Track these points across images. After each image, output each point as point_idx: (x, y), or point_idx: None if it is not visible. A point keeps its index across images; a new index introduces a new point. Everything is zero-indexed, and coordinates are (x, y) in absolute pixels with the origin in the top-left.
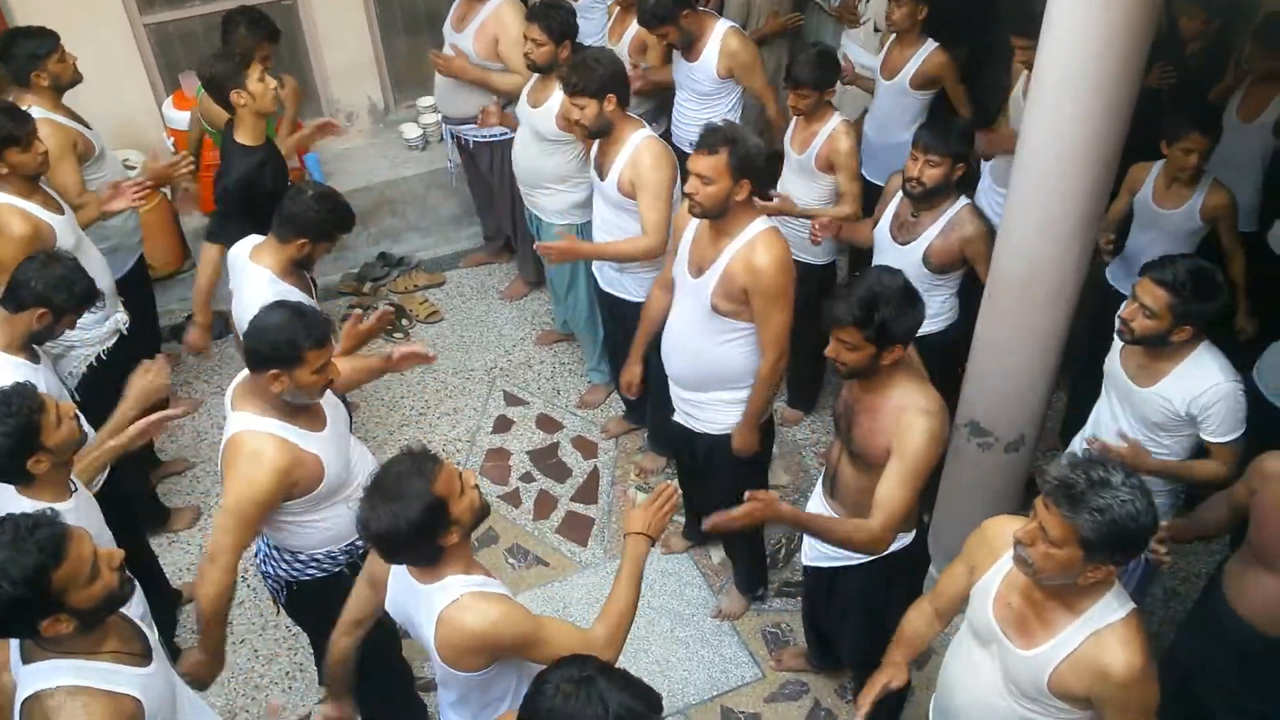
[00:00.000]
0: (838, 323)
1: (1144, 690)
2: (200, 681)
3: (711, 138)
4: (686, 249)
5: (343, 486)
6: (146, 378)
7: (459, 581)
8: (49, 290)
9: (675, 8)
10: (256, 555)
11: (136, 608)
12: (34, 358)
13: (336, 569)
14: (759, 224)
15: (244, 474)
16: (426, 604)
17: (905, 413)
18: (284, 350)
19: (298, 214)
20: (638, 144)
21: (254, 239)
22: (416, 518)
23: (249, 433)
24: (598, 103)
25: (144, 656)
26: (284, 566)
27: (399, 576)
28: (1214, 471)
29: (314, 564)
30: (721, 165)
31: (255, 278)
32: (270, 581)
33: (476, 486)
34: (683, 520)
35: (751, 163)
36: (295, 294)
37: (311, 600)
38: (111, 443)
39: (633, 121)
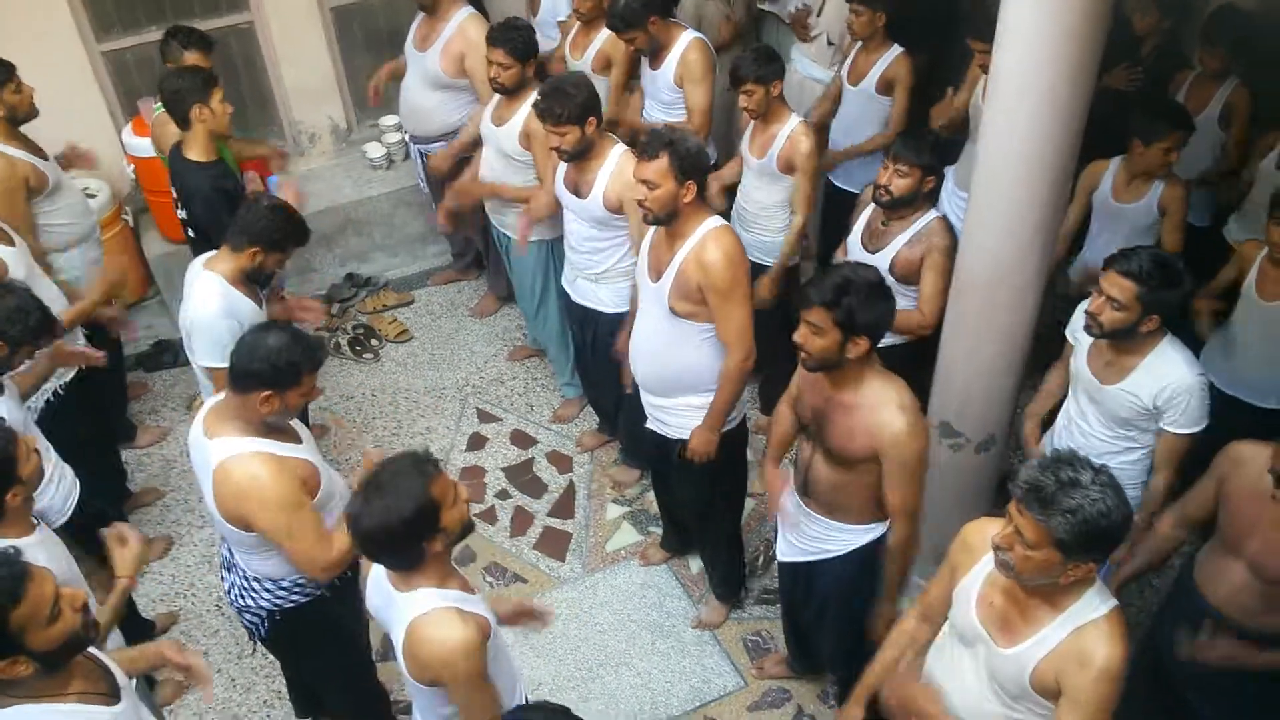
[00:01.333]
0: (806, 304)
1: (1112, 687)
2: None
3: (652, 143)
4: (645, 254)
5: (329, 499)
6: (126, 549)
7: (431, 595)
8: (3, 322)
9: (644, 12)
10: (229, 591)
11: (112, 641)
12: None
13: (319, 591)
14: (710, 223)
15: (257, 499)
16: (399, 611)
17: (882, 410)
18: (283, 372)
19: (251, 222)
20: (619, 160)
21: (211, 252)
22: (408, 515)
23: (237, 459)
24: (579, 128)
25: (112, 696)
26: (265, 596)
27: (378, 581)
28: (1159, 488)
29: (298, 589)
30: (664, 168)
31: (206, 283)
32: (248, 616)
33: (468, 502)
34: (660, 532)
35: (694, 163)
36: (244, 303)
37: (293, 627)
38: (113, 601)
39: (609, 138)
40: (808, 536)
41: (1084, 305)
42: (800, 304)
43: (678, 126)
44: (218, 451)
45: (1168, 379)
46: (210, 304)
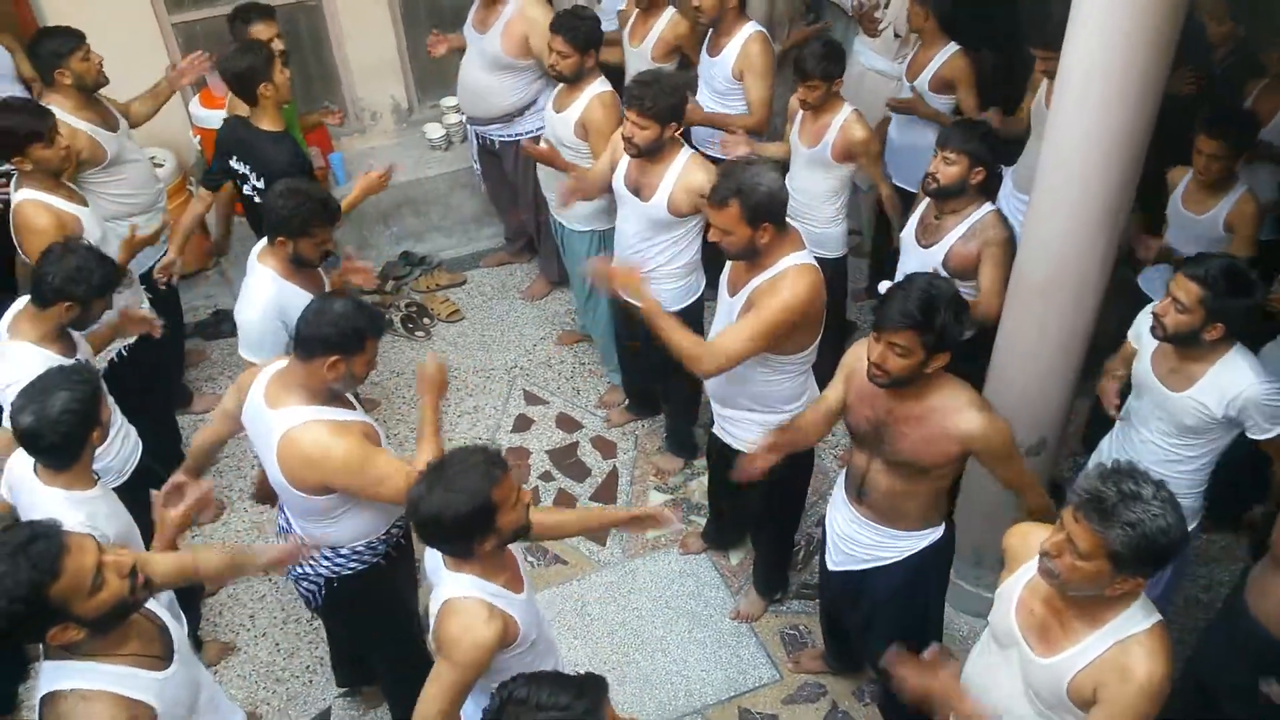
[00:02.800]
0: (893, 326)
1: (1150, 705)
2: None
3: (720, 189)
4: (728, 268)
5: None
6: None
7: (471, 582)
8: (67, 283)
9: None
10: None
11: (164, 595)
12: (70, 350)
13: (375, 559)
14: (793, 259)
15: (335, 458)
16: (442, 586)
17: (960, 414)
18: (349, 337)
19: (270, 214)
20: (685, 164)
21: (262, 241)
22: (464, 512)
23: (303, 427)
24: (660, 127)
25: (163, 659)
26: (324, 564)
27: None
28: None
29: (355, 557)
30: (735, 217)
31: (258, 279)
32: (305, 584)
33: (529, 506)
34: (701, 522)
35: (766, 207)
36: (298, 296)
37: (350, 595)
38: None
39: (677, 143)
40: (861, 545)
41: (1150, 307)
42: (882, 325)
43: (749, 162)
44: (282, 421)
45: (1236, 387)
46: (256, 302)
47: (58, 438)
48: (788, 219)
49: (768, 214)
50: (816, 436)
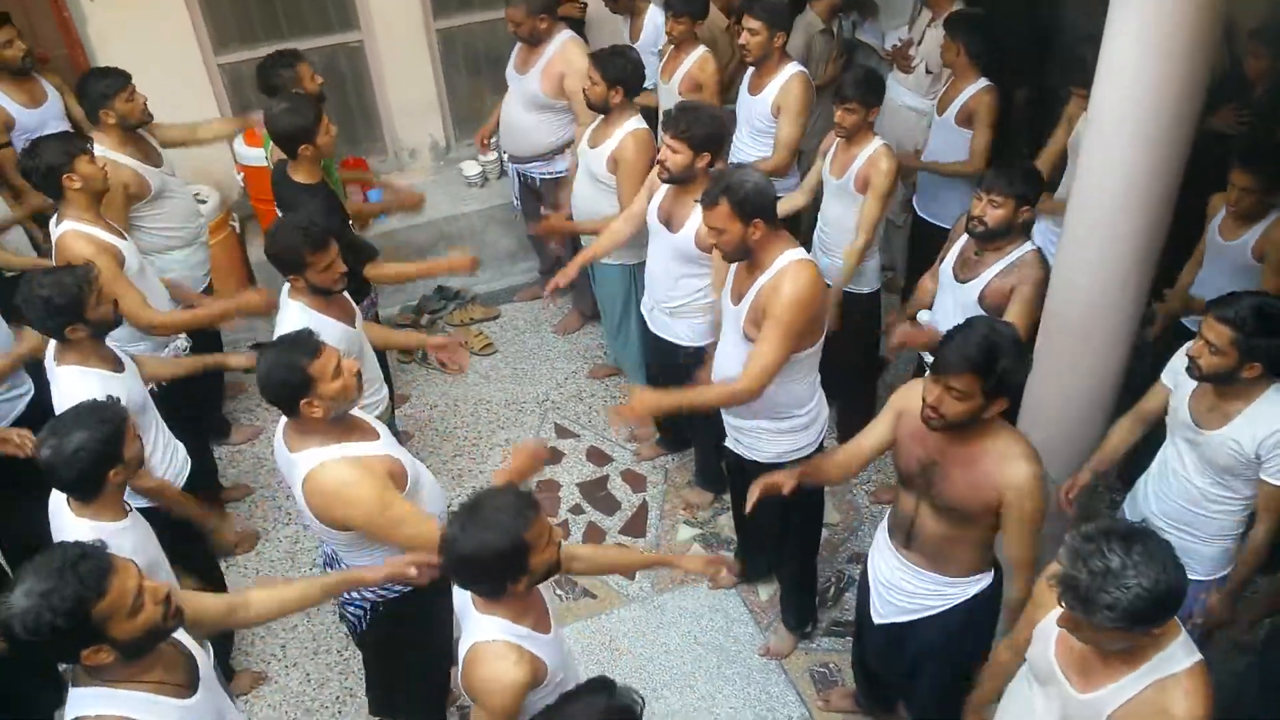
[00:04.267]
0: (951, 369)
1: None
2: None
3: (711, 190)
4: (730, 279)
5: (418, 487)
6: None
7: (499, 626)
8: (36, 314)
9: (784, 18)
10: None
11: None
12: (117, 367)
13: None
14: (789, 255)
15: (354, 503)
16: (470, 628)
17: (1007, 461)
18: (291, 379)
19: (271, 256)
20: None
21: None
22: (499, 553)
23: (322, 467)
24: (693, 153)
25: (188, 687)
26: (370, 589)
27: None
28: (1260, 540)
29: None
30: (725, 213)
31: (290, 313)
32: (352, 609)
33: (560, 544)
34: (731, 556)
35: (755, 202)
36: (331, 324)
37: (394, 619)
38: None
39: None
40: (907, 593)
41: (1185, 349)
42: (941, 368)
43: (742, 167)
44: (303, 464)
45: (1272, 425)
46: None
47: (73, 475)
48: (818, 253)
49: (756, 209)
50: (841, 477)
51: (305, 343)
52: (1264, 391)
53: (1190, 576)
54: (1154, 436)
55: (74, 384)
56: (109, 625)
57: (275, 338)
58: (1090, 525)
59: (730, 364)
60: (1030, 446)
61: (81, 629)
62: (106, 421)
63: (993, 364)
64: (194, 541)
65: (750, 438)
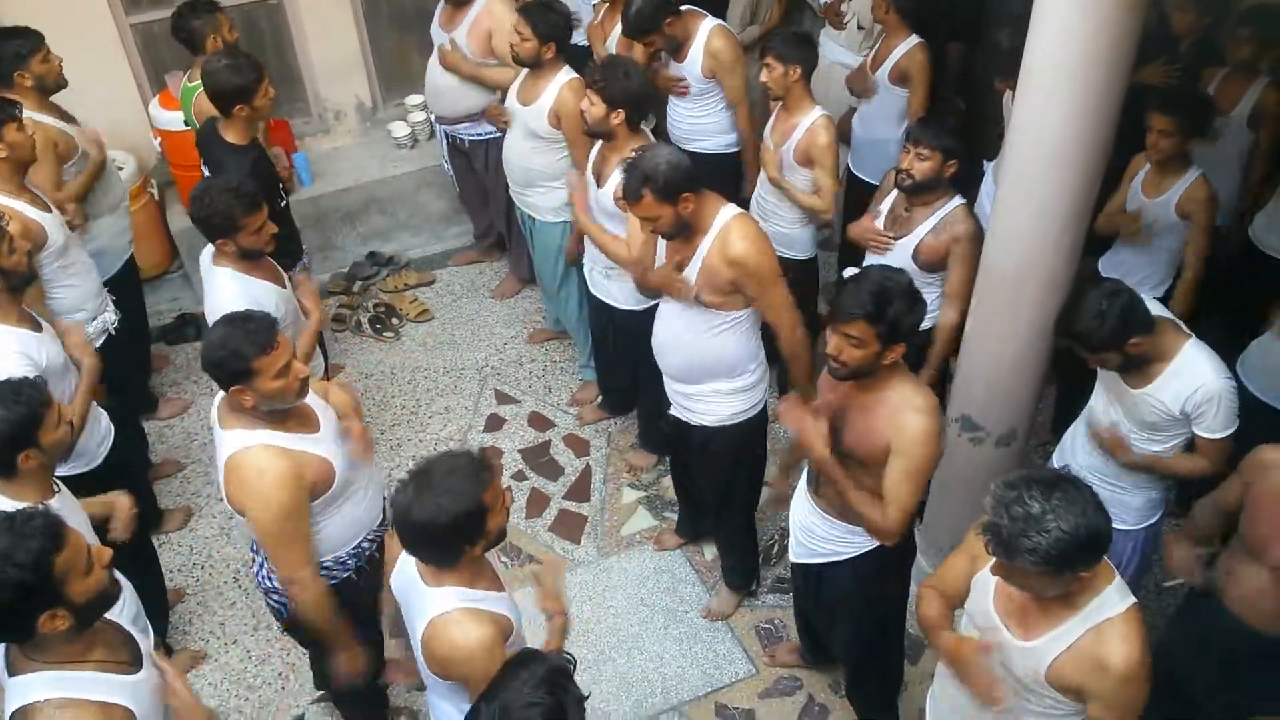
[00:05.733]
0: (846, 316)
1: (1137, 688)
2: (352, 676)
3: (629, 186)
4: (664, 249)
5: (349, 484)
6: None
7: (455, 594)
8: None
9: (657, 16)
10: (257, 572)
11: (130, 608)
12: (35, 327)
13: (345, 574)
14: (724, 214)
15: (260, 497)
16: (422, 604)
17: (902, 412)
18: (232, 365)
19: (198, 222)
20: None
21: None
22: (458, 517)
23: (245, 451)
24: (608, 109)
25: (132, 664)
26: None
27: (406, 564)
28: (1196, 466)
29: (323, 571)
30: (651, 203)
31: (218, 279)
32: (275, 597)
33: (508, 510)
34: (675, 517)
35: (675, 181)
36: (259, 287)
37: None
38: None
39: (637, 136)
40: (819, 538)
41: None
42: (836, 316)
43: (648, 148)
44: (229, 443)
45: (1194, 383)
46: (225, 300)
47: None
48: (757, 219)
49: (680, 185)
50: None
51: (261, 334)
52: (1181, 348)
53: (1118, 526)
54: (1082, 388)
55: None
56: (68, 582)
57: (233, 312)
58: (1013, 473)
59: (676, 332)
60: (930, 401)
61: (44, 586)
62: (20, 404)
63: (884, 310)
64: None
65: (699, 402)
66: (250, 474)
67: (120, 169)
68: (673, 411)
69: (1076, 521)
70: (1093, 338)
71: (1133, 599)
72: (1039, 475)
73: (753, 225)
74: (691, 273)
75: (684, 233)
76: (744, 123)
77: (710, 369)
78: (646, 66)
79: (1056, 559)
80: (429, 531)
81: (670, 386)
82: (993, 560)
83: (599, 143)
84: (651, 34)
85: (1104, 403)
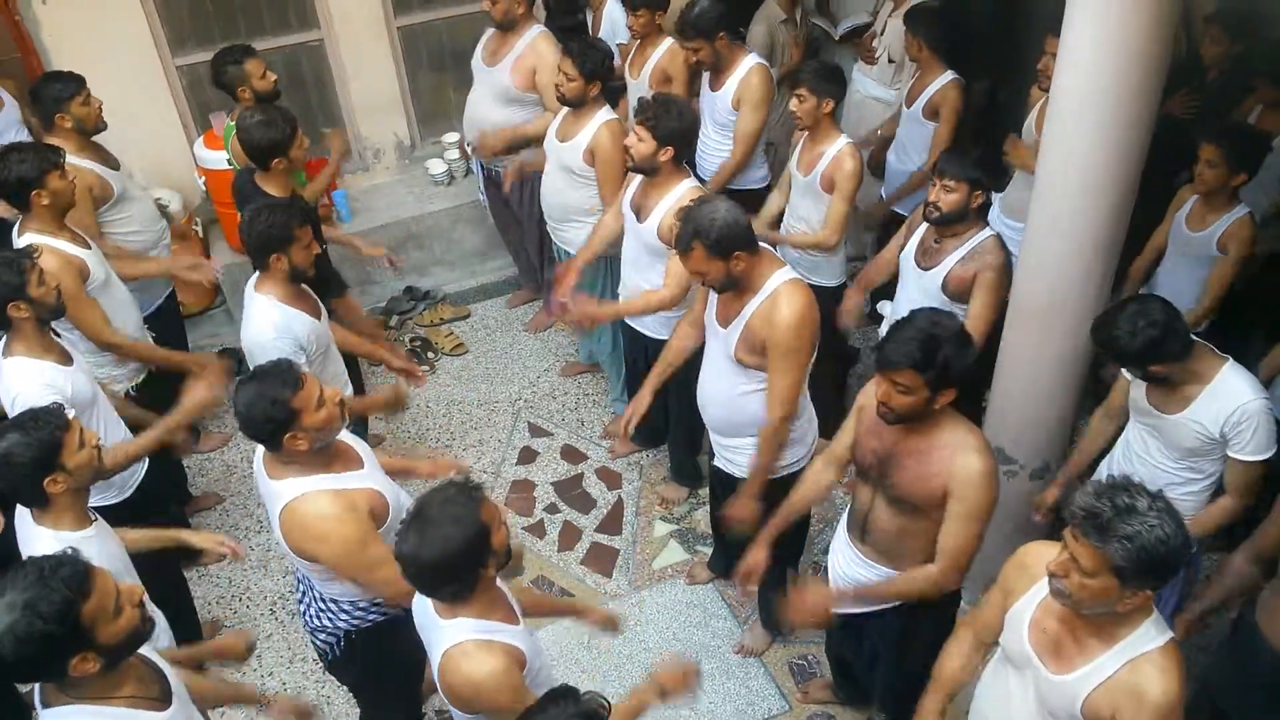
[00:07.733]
0: (892, 365)
1: None
2: None
3: (681, 238)
4: (714, 301)
5: (403, 512)
6: (202, 390)
7: (468, 625)
8: None
9: (715, 25)
10: (304, 613)
11: (163, 640)
12: (65, 360)
13: (395, 611)
14: (779, 276)
15: (328, 539)
16: (438, 637)
17: (958, 453)
18: (277, 414)
19: (252, 241)
20: (684, 194)
21: (256, 274)
22: (466, 541)
23: (301, 499)
24: (657, 144)
25: (162, 700)
26: (343, 617)
27: (423, 601)
28: (1226, 512)
29: (375, 608)
30: (702, 258)
31: (258, 307)
32: (323, 636)
33: (507, 525)
34: (707, 551)
35: (728, 238)
36: (299, 319)
37: (366, 648)
38: (152, 434)
39: (681, 173)
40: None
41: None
42: (884, 364)
43: (698, 201)
44: (284, 493)
45: (1232, 404)
46: (264, 327)
47: (4, 483)
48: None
49: (733, 244)
50: (817, 497)
51: (286, 373)
52: (1219, 371)
53: None
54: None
55: (20, 375)
56: (96, 629)
57: (244, 376)
58: (1115, 475)
59: (717, 386)
60: (983, 441)
61: (72, 634)
62: (41, 429)
63: (933, 357)
64: (160, 551)
65: (739, 455)
66: (311, 520)
67: (165, 207)
68: (716, 463)
69: (1172, 532)
70: (1119, 348)
71: (1170, 633)
72: (1141, 485)
73: (803, 295)
74: (735, 330)
75: (734, 287)
76: (736, 156)
77: (744, 424)
78: (686, 88)
79: (1144, 558)
80: (443, 565)
81: (713, 438)
82: (1032, 591)
83: (638, 177)
84: (702, 39)
85: (1139, 437)
